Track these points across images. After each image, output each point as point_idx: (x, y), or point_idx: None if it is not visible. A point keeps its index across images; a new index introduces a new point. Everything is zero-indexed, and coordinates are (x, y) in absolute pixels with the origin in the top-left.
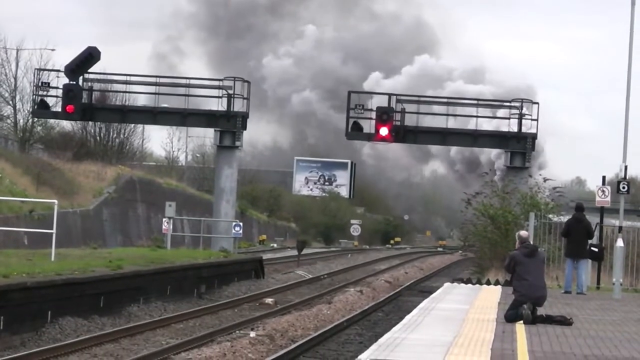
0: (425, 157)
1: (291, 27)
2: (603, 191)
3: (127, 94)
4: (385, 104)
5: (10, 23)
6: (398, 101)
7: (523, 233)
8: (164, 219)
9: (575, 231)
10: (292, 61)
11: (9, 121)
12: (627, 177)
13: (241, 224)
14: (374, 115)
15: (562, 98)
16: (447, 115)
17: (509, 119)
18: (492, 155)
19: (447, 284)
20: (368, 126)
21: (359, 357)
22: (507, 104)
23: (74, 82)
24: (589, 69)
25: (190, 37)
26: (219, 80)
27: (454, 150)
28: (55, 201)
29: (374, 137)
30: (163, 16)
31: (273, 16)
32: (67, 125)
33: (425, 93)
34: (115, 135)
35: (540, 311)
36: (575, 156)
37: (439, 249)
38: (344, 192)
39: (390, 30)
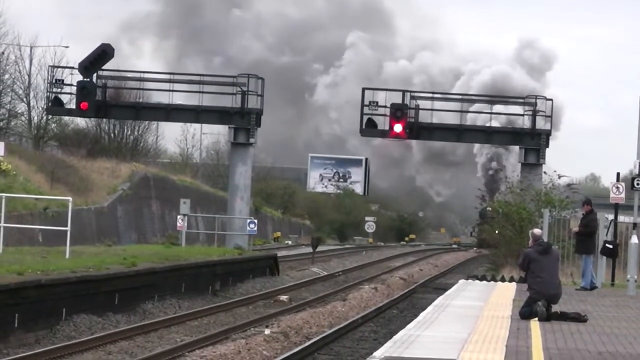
0: (395, 164)
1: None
2: (617, 188)
3: (141, 90)
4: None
5: (22, 20)
6: (412, 97)
7: (536, 231)
8: (178, 216)
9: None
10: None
11: (23, 118)
12: None
13: (255, 221)
14: (382, 111)
15: (559, 93)
16: (462, 112)
17: (522, 115)
18: (480, 155)
19: (461, 281)
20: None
21: (374, 354)
22: (521, 100)
23: (88, 79)
24: (590, 65)
25: (146, 33)
26: (233, 77)
27: (417, 154)
28: (70, 198)
29: (388, 134)
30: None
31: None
32: (81, 122)
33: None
34: (129, 132)
35: (555, 308)
36: (582, 152)
37: (454, 246)
38: (358, 188)
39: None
